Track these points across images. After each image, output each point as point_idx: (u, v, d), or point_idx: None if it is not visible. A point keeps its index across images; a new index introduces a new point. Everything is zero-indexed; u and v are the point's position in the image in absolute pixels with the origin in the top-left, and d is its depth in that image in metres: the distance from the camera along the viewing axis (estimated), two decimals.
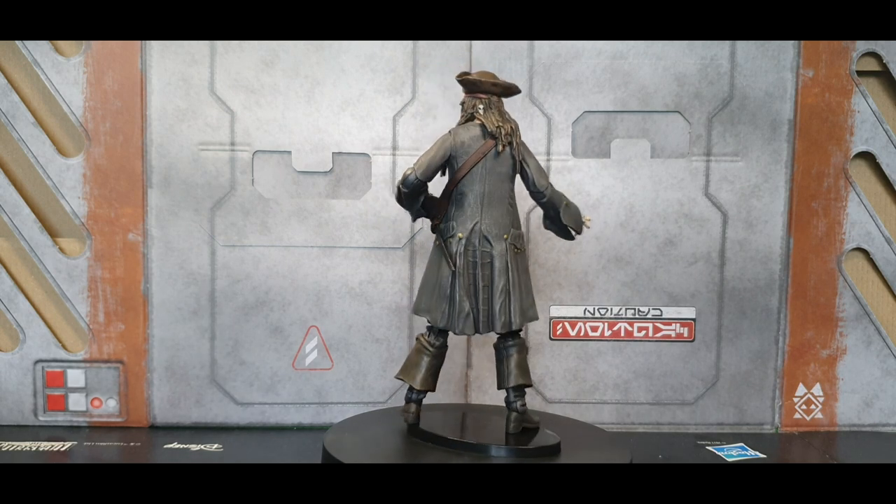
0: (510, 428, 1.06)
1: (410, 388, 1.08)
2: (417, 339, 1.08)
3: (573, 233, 1.08)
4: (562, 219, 1.07)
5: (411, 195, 1.04)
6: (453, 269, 1.02)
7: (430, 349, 1.06)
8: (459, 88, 1.28)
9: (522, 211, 1.30)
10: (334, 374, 1.32)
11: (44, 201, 1.30)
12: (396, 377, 1.08)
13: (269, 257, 1.29)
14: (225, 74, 1.27)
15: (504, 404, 1.07)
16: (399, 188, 1.03)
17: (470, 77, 1.05)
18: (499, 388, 1.07)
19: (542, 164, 1.30)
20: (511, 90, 1.06)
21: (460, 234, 1.02)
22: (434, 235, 1.06)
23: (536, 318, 1.07)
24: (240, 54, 1.27)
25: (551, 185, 1.07)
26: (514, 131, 1.05)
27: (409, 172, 1.02)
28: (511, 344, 1.06)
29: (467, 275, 1.02)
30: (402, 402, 1.11)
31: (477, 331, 1.03)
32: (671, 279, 1.31)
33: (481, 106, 1.04)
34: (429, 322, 1.06)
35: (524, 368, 1.06)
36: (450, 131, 1.04)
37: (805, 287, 1.31)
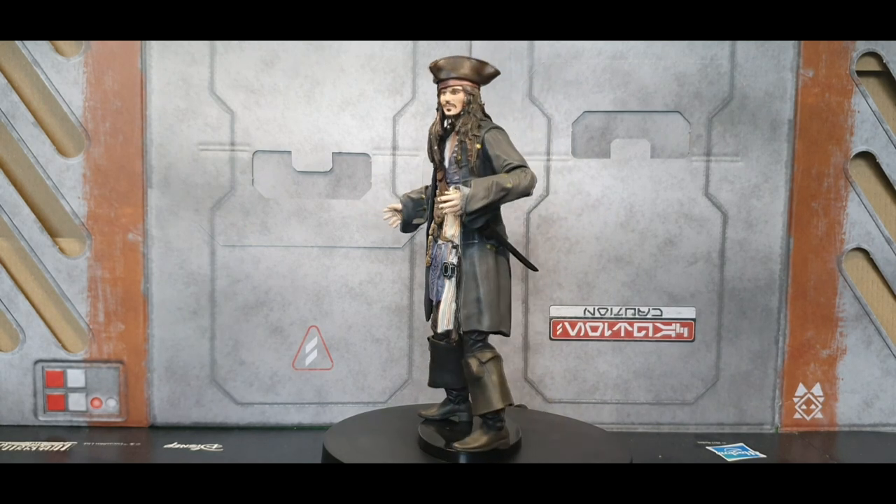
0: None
1: (502, 411, 0.99)
2: (496, 358, 0.98)
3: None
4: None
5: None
6: (538, 269, 1.02)
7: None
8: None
9: (522, 211, 1.30)
10: (334, 374, 1.32)
11: (44, 201, 1.30)
12: (500, 408, 0.97)
13: (269, 257, 1.29)
14: (225, 74, 1.27)
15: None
16: (529, 191, 0.94)
17: (496, 70, 0.99)
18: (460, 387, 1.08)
19: (542, 164, 1.30)
20: None
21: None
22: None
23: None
24: (240, 54, 1.27)
25: None
26: None
27: (532, 175, 0.94)
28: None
29: None
30: (401, 403, 1.10)
31: None
32: (671, 279, 1.31)
33: (483, 103, 1.01)
34: (483, 335, 0.99)
35: None
36: (502, 128, 0.98)
37: (805, 287, 1.31)
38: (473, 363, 0.97)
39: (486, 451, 0.97)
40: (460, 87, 0.97)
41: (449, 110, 0.98)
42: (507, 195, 0.93)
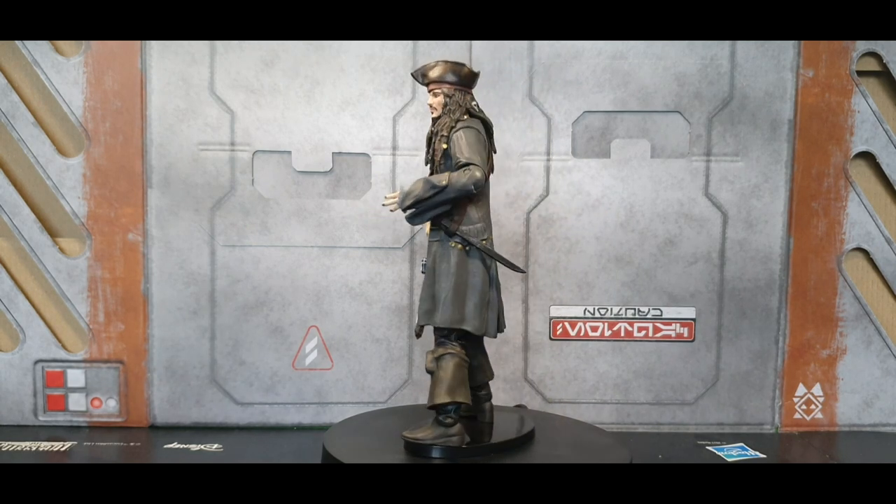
0: (489, 417, 1.09)
1: (454, 410, 0.99)
2: (451, 354, 0.98)
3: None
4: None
5: (463, 197, 0.97)
6: (525, 271, 1.01)
7: (468, 361, 1.01)
8: None
9: (522, 211, 1.30)
10: (334, 374, 1.32)
11: (44, 201, 1.30)
12: (441, 404, 0.97)
13: (269, 257, 1.29)
14: (225, 74, 1.27)
15: (484, 400, 1.10)
16: (469, 189, 0.94)
17: (472, 71, 1.01)
18: (476, 383, 1.07)
19: (542, 164, 1.30)
20: None
21: (491, 237, 1.01)
22: (423, 236, 1.02)
23: None
24: (240, 54, 1.27)
25: None
26: None
27: (476, 171, 0.94)
28: (477, 342, 1.06)
29: (495, 276, 1.01)
30: (401, 403, 1.10)
31: (499, 331, 1.04)
32: (671, 279, 1.31)
33: (475, 102, 1.02)
34: (448, 333, 0.99)
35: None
36: (472, 126, 0.98)
37: (805, 287, 1.31)
38: (428, 357, 1.00)
39: (428, 444, 0.99)
40: (439, 91, 1.01)
41: (432, 113, 1.02)
42: (439, 193, 0.95)
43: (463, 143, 0.96)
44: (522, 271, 1.05)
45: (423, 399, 1.31)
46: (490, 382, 1.10)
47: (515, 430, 1.07)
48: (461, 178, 0.94)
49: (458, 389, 0.98)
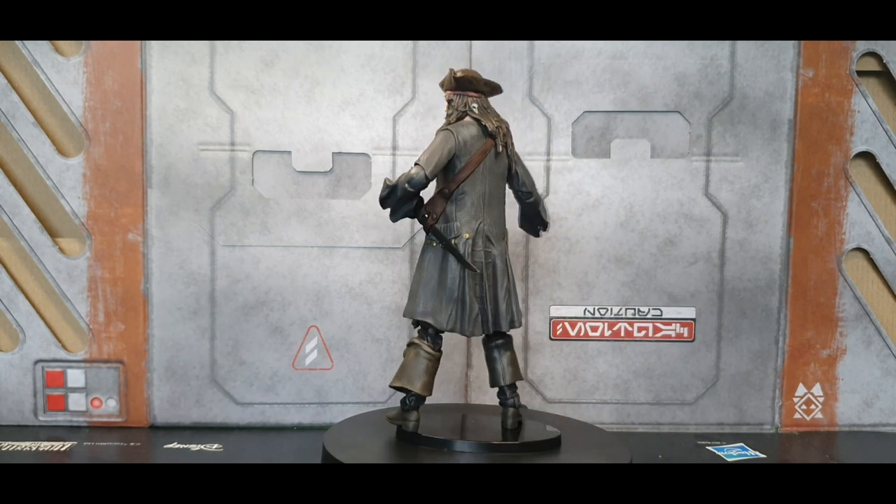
0: (510, 423, 1.08)
1: (410, 396, 1.04)
2: (413, 344, 1.04)
3: (541, 229, 1.14)
4: (544, 217, 1.12)
5: (412, 196, 1.01)
6: (476, 270, 1.02)
7: (432, 353, 1.04)
8: None
9: None
10: (334, 374, 1.32)
11: (44, 201, 1.30)
12: (394, 386, 1.04)
13: (269, 257, 1.29)
14: (225, 74, 1.27)
15: (498, 401, 1.10)
16: (404, 187, 0.99)
17: (464, 75, 1.04)
18: (493, 385, 1.09)
19: (542, 164, 1.30)
20: (497, 90, 1.07)
21: (467, 235, 1.02)
22: (423, 236, 1.05)
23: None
24: (240, 54, 1.27)
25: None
26: (509, 132, 1.06)
27: (416, 171, 0.98)
28: (504, 342, 1.09)
29: (475, 275, 1.02)
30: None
31: (486, 331, 1.05)
32: (671, 279, 1.31)
33: (475, 105, 1.04)
34: (425, 326, 1.03)
35: (516, 365, 1.10)
36: (448, 129, 1.02)
37: (805, 287, 1.31)
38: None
39: (393, 424, 1.06)
40: (447, 97, 1.06)
41: None
42: (391, 192, 1.00)
43: (430, 146, 1.01)
44: (475, 270, 1.03)
45: None
46: None
47: (523, 434, 1.07)
48: (403, 176, 0.99)
49: (411, 377, 1.03)
